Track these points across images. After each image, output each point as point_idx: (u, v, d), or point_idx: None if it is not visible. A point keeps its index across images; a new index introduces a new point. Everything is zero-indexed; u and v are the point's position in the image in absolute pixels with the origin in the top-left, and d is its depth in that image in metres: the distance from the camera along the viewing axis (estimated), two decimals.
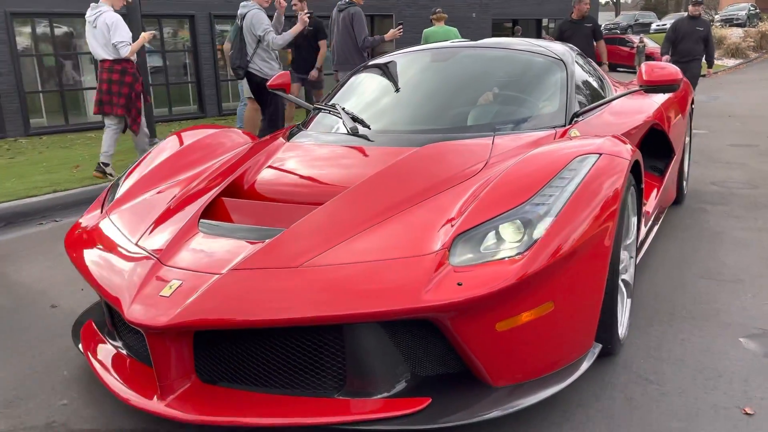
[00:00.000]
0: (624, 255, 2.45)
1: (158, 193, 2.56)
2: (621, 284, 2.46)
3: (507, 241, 1.91)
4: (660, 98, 4.01)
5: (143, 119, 6.11)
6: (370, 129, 2.88)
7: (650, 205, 3.47)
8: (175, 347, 1.85)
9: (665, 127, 3.82)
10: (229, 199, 2.38)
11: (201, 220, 2.22)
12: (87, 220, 2.52)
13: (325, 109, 3.21)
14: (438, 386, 1.89)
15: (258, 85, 6.05)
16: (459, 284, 1.76)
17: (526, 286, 1.82)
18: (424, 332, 1.85)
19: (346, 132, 2.87)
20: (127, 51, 5.67)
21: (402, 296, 1.74)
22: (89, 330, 2.32)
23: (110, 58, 5.69)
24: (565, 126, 2.84)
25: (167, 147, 3.00)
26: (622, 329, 2.41)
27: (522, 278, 1.79)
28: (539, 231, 1.90)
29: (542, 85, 3.16)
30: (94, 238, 2.32)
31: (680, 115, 4.31)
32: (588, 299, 2.04)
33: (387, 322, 1.80)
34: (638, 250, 3.07)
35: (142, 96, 5.98)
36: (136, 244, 2.14)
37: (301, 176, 2.53)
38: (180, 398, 1.85)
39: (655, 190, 3.63)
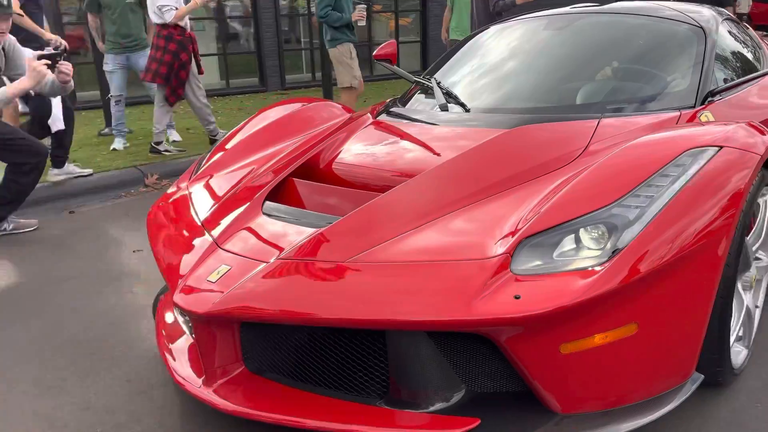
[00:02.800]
0: (752, 269, 2.04)
1: (239, 168, 2.53)
2: (745, 301, 2.05)
3: (586, 248, 1.63)
4: None
5: (200, 90, 5.76)
6: (465, 107, 2.65)
7: None
8: (221, 334, 1.80)
9: None
10: (299, 180, 2.29)
11: (266, 202, 2.15)
12: (172, 192, 2.56)
13: (422, 82, 3.00)
14: (494, 406, 1.68)
15: None
16: (516, 297, 1.53)
17: (600, 304, 1.54)
18: (479, 346, 1.64)
19: (438, 109, 2.66)
20: (171, 15, 5.32)
21: (446, 306, 1.54)
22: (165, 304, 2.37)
23: (158, 23, 5.40)
24: (695, 107, 2.41)
25: (267, 117, 2.96)
26: (739, 356, 2.01)
27: (594, 296, 1.51)
28: (625, 240, 1.60)
29: (672, 59, 2.70)
30: (169, 212, 2.34)
31: None
32: (686, 322, 1.70)
33: (434, 332, 1.62)
34: None
35: (189, 67, 5.57)
36: (201, 223, 2.13)
37: (377, 159, 2.36)
38: (225, 386, 1.81)
39: None
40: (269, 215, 2.07)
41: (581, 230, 1.66)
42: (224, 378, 1.82)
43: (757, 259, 2.18)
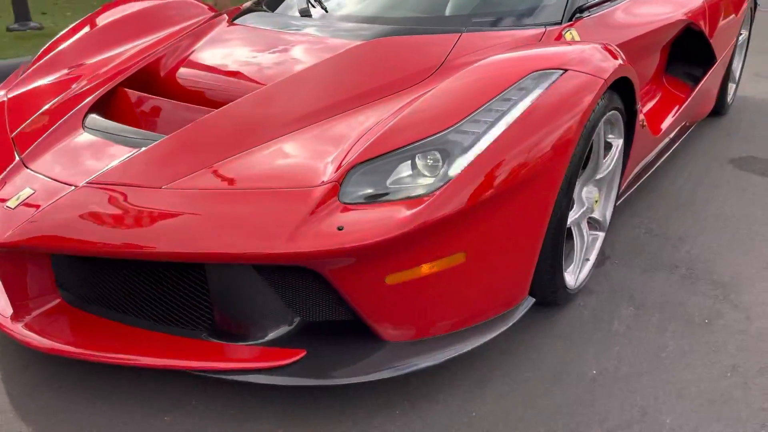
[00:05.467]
0: (591, 192, 2.06)
1: (70, 73, 2.25)
2: (583, 226, 2.08)
3: (422, 175, 1.56)
4: None
5: None
6: (326, 12, 2.45)
7: (666, 122, 2.95)
8: (30, 265, 1.64)
9: (704, 28, 3.20)
10: (131, 91, 2.06)
11: (90, 115, 1.92)
12: None
13: None
14: (325, 336, 1.64)
15: None
16: (339, 228, 1.45)
17: (427, 235, 1.49)
18: (307, 276, 1.57)
19: (298, 14, 2.44)
20: None
21: (267, 239, 1.44)
22: None
23: None
24: (561, 24, 2.33)
25: (113, 14, 2.63)
26: (576, 276, 2.07)
27: (419, 226, 1.46)
28: (457, 167, 1.54)
29: None
30: None
31: (732, 14, 3.61)
32: (517, 250, 1.70)
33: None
34: (636, 177, 2.65)
35: None
36: (12, 138, 1.88)
37: (220, 68, 2.15)
38: (39, 320, 1.66)
39: (676, 106, 3.08)
40: (90, 130, 1.86)
41: (417, 156, 1.58)
42: (37, 311, 1.67)
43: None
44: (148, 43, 2.42)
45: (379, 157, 1.58)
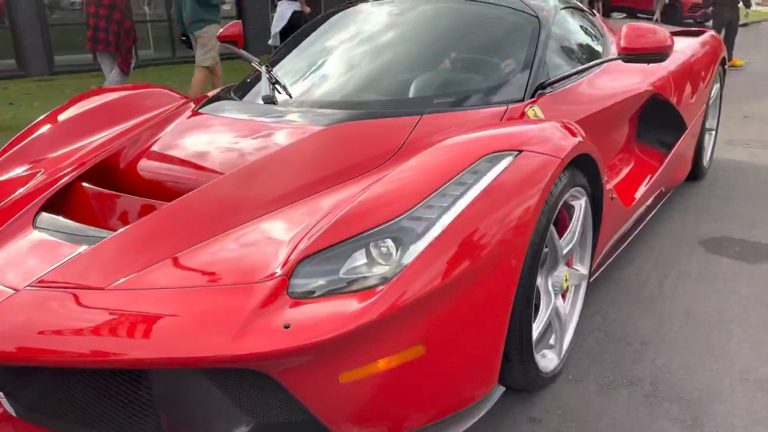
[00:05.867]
0: (560, 273, 2.00)
1: (31, 167, 2.23)
2: (557, 308, 2.02)
3: (377, 264, 1.50)
4: (674, 58, 3.39)
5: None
6: (291, 98, 2.47)
7: (639, 191, 2.94)
8: None
9: (672, 98, 3.24)
10: (88, 185, 2.03)
11: (42, 213, 1.89)
12: None
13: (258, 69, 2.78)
14: None
15: None
16: (286, 326, 1.38)
17: (381, 328, 1.42)
18: (258, 378, 1.48)
19: (262, 102, 2.46)
20: None
21: (210, 340, 1.37)
22: None
23: None
24: (523, 101, 2.35)
25: (81, 106, 2.64)
26: (553, 359, 1.99)
27: (371, 320, 1.39)
28: (410, 255, 1.49)
29: (504, 49, 2.63)
30: None
31: (702, 80, 3.68)
32: (480, 337, 1.62)
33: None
34: (613, 248, 2.60)
35: (131, 34, 5.83)
36: None
37: (181, 160, 2.14)
38: None
39: (650, 175, 3.07)
40: (41, 229, 1.81)
41: (371, 245, 1.53)
42: None
43: (573, 269, 2.16)
44: (113, 134, 2.42)
45: (331, 246, 1.53)
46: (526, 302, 1.71)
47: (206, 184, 1.85)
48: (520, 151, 1.74)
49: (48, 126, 2.44)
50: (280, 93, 2.49)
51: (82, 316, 1.46)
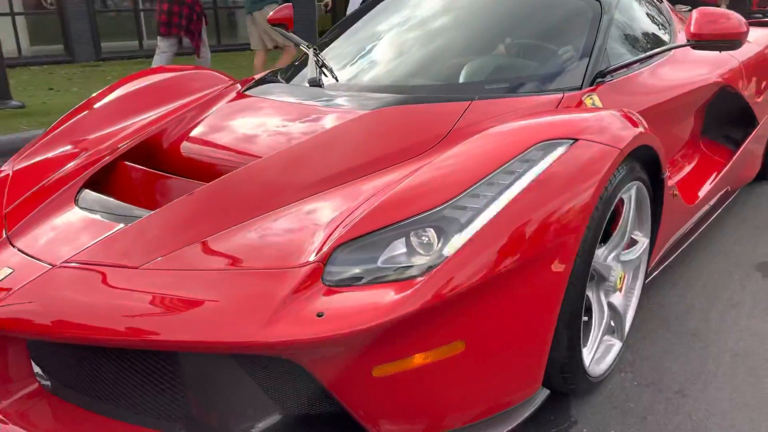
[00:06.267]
0: (615, 270, 1.88)
1: (77, 146, 2.24)
2: (605, 306, 1.90)
3: (417, 254, 1.43)
4: (746, 49, 3.17)
5: (205, 43, 6.13)
6: (337, 81, 2.40)
7: (703, 189, 2.76)
8: (8, 347, 1.56)
9: (742, 90, 3.03)
10: (130, 164, 2.02)
11: (85, 191, 1.88)
12: None
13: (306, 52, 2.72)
14: (312, 429, 1.49)
15: None
16: (319, 315, 1.32)
17: (418, 322, 1.35)
18: (289, 366, 1.43)
19: (307, 84, 2.40)
20: None
21: (241, 326, 1.32)
22: None
23: None
24: (581, 89, 2.21)
25: (130, 86, 2.64)
26: (601, 364, 1.87)
27: (408, 313, 1.32)
28: (453, 246, 1.40)
29: (564, 34, 2.50)
30: None
31: None
32: (525, 336, 1.52)
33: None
34: (671, 250, 2.45)
35: (202, 18, 6.04)
36: (5, 214, 1.85)
37: (224, 141, 2.09)
38: (15, 406, 1.57)
39: (715, 172, 2.88)
40: (82, 207, 1.81)
41: (411, 234, 1.45)
42: (12, 397, 1.58)
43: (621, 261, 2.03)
44: (159, 114, 2.41)
45: (369, 233, 1.46)
46: (576, 301, 1.60)
47: (245, 165, 1.81)
48: (576, 140, 1.62)
49: (96, 105, 2.45)
50: (326, 76, 2.43)
51: (113, 295, 1.44)
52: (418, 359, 1.39)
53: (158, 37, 6.07)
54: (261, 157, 1.89)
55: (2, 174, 2.15)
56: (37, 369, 1.64)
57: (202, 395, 1.46)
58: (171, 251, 1.52)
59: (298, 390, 1.45)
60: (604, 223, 1.67)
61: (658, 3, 3.23)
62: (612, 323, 1.94)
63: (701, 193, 2.68)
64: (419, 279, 1.36)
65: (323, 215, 1.58)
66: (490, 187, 1.50)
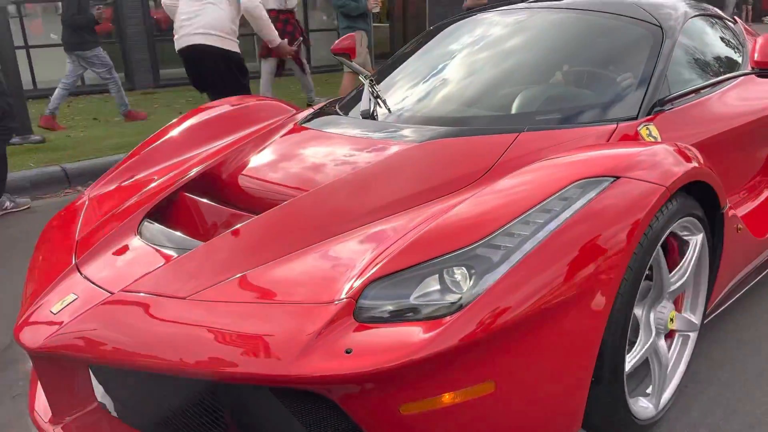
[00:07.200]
0: (664, 309, 1.80)
1: (148, 175, 2.39)
2: (657, 348, 1.82)
3: (450, 292, 1.43)
4: None
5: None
6: (390, 113, 2.45)
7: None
8: (69, 368, 1.68)
9: None
10: (189, 195, 2.13)
11: (146, 221, 2.01)
12: (75, 200, 2.42)
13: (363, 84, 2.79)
14: None
15: None
16: (348, 351, 1.35)
17: (448, 361, 1.35)
18: (320, 401, 1.47)
19: (360, 117, 2.46)
20: (294, 2, 6.36)
21: (273, 359, 1.38)
22: None
23: (276, 8, 6.22)
24: (637, 119, 2.16)
25: (201, 116, 2.80)
26: (648, 407, 1.79)
27: (437, 352, 1.32)
28: (484, 285, 1.40)
29: (622, 62, 2.44)
30: (62, 225, 2.21)
31: None
32: (560, 377, 1.49)
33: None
34: (739, 285, 2.32)
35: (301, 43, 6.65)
36: (77, 242, 2.00)
37: (278, 174, 2.17)
38: (75, 423, 1.69)
39: None
40: (142, 235, 1.93)
41: (445, 271, 1.47)
42: (74, 415, 1.70)
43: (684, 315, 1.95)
44: (222, 144, 2.54)
45: (403, 270, 1.48)
46: (617, 344, 1.55)
47: (291, 200, 1.87)
48: (618, 177, 1.58)
49: (170, 134, 2.61)
50: (380, 107, 2.48)
51: (157, 324, 1.53)
52: (447, 398, 1.39)
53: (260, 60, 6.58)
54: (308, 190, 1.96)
55: (80, 201, 2.33)
56: (99, 388, 1.75)
57: (239, 419, 1.52)
58: (215, 283, 1.60)
59: (329, 422, 1.48)
60: (650, 259, 1.62)
61: (731, 25, 3.09)
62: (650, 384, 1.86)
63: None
64: (449, 318, 1.37)
65: (357, 251, 1.61)
66: (525, 226, 1.49)
